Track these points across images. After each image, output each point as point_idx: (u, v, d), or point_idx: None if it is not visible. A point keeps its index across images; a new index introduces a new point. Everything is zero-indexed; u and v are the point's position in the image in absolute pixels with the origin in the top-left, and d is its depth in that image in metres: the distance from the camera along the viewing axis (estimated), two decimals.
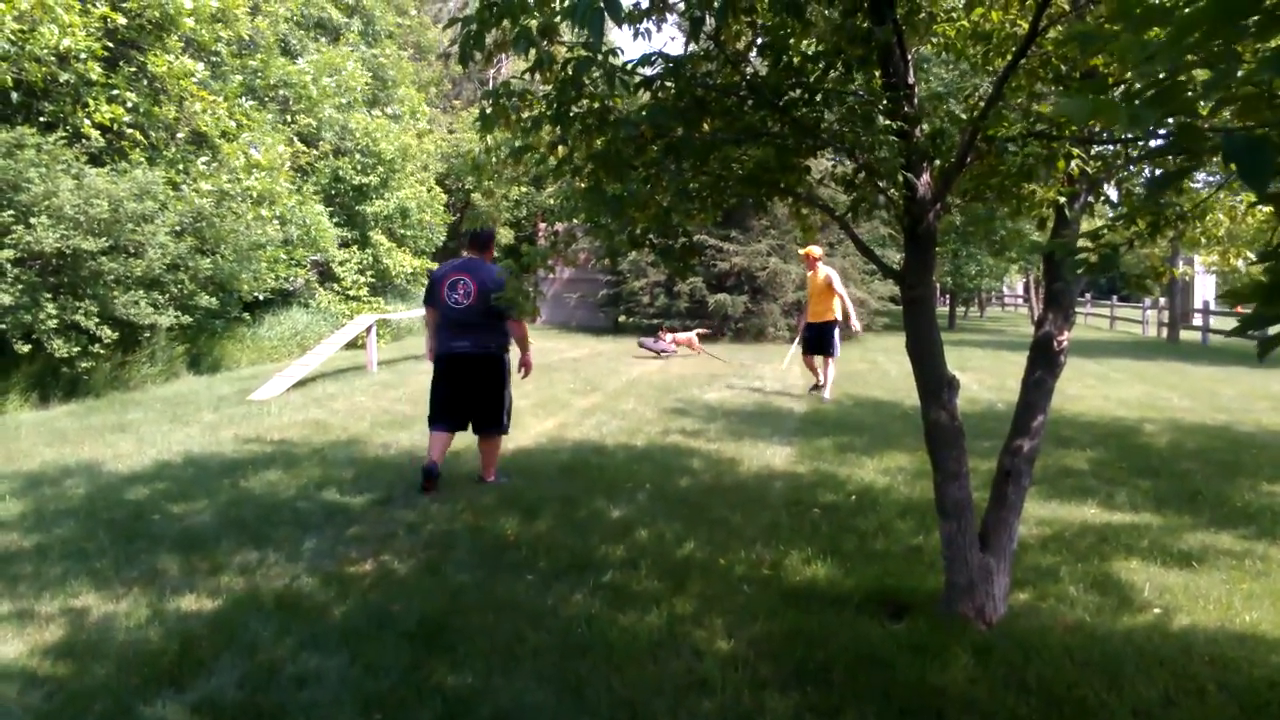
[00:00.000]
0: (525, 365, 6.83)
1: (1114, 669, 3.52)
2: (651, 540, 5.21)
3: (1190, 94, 1.48)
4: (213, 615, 4.07)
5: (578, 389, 11.67)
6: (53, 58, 10.46)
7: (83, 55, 10.63)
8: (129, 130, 11.82)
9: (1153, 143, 3.13)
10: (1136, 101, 1.52)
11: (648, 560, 4.81)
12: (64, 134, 10.79)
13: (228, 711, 3.18)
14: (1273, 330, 1.67)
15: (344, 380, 12.24)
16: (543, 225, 26.58)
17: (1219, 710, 3.22)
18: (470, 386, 6.49)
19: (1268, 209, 4.63)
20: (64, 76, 10.75)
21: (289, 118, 16.77)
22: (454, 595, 4.32)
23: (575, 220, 3.93)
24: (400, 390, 11.31)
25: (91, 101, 11.08)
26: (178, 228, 11.68)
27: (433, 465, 6.25)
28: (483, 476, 6.61)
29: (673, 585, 4.46)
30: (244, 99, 14.58)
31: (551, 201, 25.01)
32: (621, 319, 22.23)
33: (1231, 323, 20.59)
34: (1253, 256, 5.33)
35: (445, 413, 6.50)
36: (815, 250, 11.08)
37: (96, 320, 10.28)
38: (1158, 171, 3.93)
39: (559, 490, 6.30)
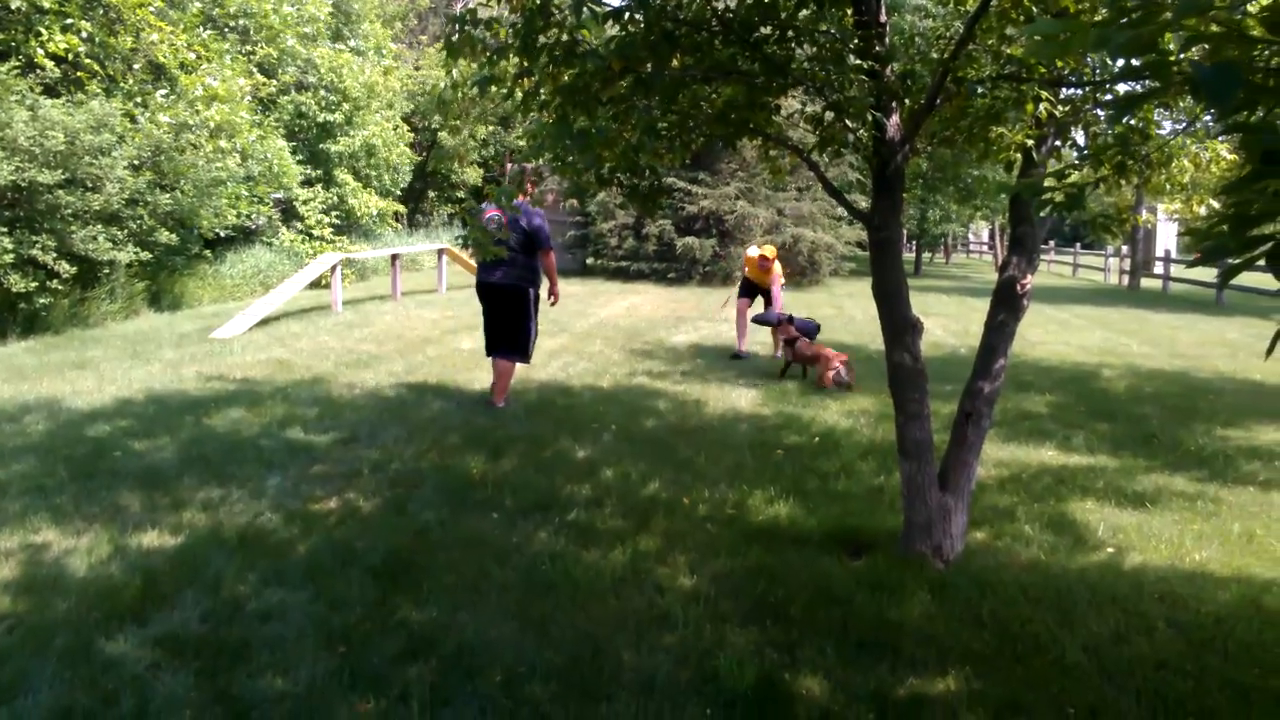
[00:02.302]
0: (553, 294, 7.45)
1: (1067, 606, 3.60)
2: (616, 480, 5.24)
3: (1161, 21, 1.48)
4: (175, 551, 4.05)
5: (545, 330, 11.60)
6: None
7: None
8: (85, 61, 11.48)
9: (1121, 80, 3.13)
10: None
11: (612, 499, 4.85)
12: (17, 64, 10.48)
13: (190, 646, 3.18)
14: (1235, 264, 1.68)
15: (308, 320, 12.12)
16: (510, 165, 26.26)
17: (1167, 645, 3.31)
18: (499, 314, 7.12)
19: (1232, 157, 4.66)
20: (15, 4, 10.40)
21: (249, 48, 16.36)
22: (419, 532, 4.34)
23: (542, 159, 3.88)
24: (365, 330, 11.22)
25: (44, 30, 10.75)
26: (136, 161, 11.43)
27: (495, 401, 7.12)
28: (491, 400, 7.11)
29: (637, 524, 4.50)
30: (202, 28, 14.19)
31: (520, 141, 24.70)
32: (589, 260, 22.11)
33: (1195, 270, 20.84)
34: (1216, 205, 5.38)
35: (490, 341, 7.23)
36: (768, 249, 9.97)
37: (54, 255, 10.08)
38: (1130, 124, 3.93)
39: (525, 430, 6.31)
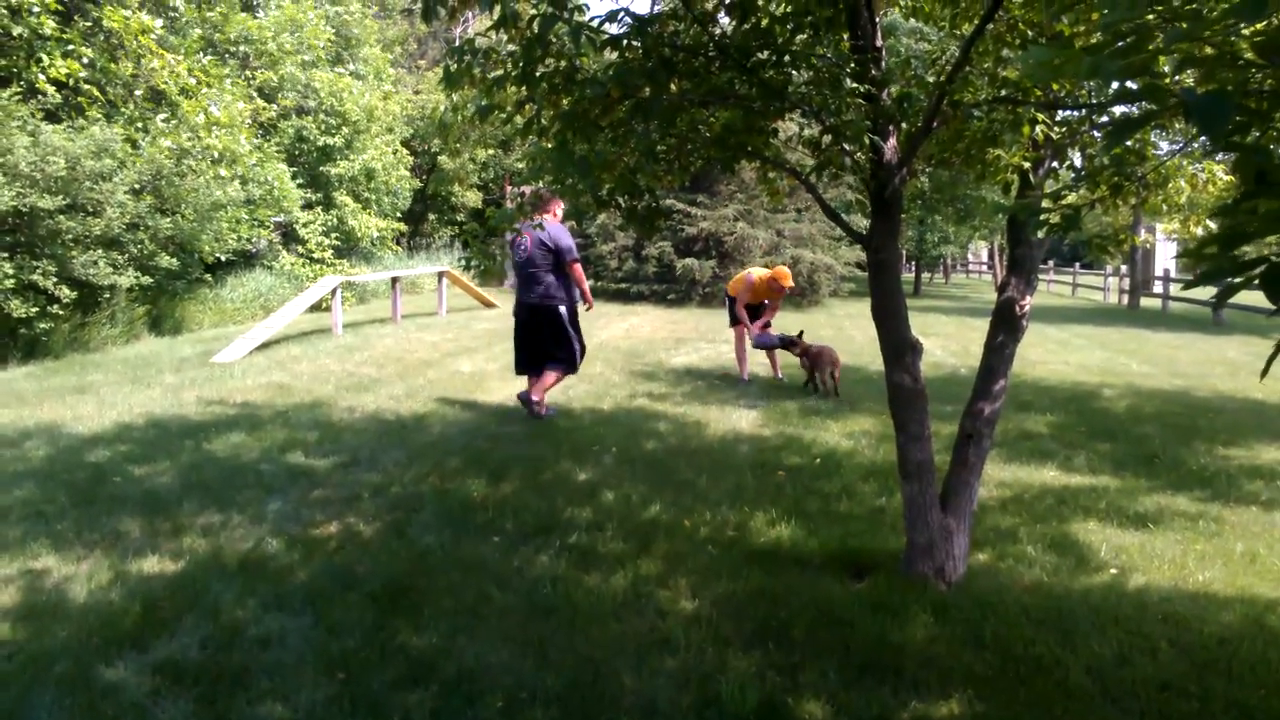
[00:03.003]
0: (586, 301, 7.74)
1: (1069, 627, 3.59)
2: (617, 502, 5.23)
3: (1152, 48, 1.49)
4: (175, 577, 4.04)
5: None
6: (4, 10, 10.20)
7: (35, 9, 10.36)
8: (85, 86, 11.56)
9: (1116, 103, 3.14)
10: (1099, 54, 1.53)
11: (613, 522, 4.84)
12: (18, 89, 10.55)
13: (190, 672, 3.17)
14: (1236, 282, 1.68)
15: (308, 343, 12.13)
16: (510, 188, 26.35)
17: (1170, 666, 3.30)
18: (537, 333, 7.48)
19: (1228, 178, 4.68)
20: (17, 30, 10.48)
21: (249, 74, 16.46)
22: (420, 557, 4.33)
23: (542, 182, 3.90)
24: (365, 353, 11.23)
25: (46, 56, 10.83)
26: (136, 186, 11.48)
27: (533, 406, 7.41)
28: (529, 393, 7.41)
29: (638, 547, 4.48)
30: (203, 54, 14.29)
31: (519, 164, 24.80)
32: (589, 282, 22.16)
33: (1193, 289, 20.87)
34: (1214, 226, 5.39)
35: (521, 359, 7.65)
36: (781, 269, 9.52)
37: (55, 280, 10.11)
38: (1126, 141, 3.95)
39: (525, 452, 6.31)
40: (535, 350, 7.52)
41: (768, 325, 9.67)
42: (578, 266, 7.48)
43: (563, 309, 7.44)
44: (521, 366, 7.68)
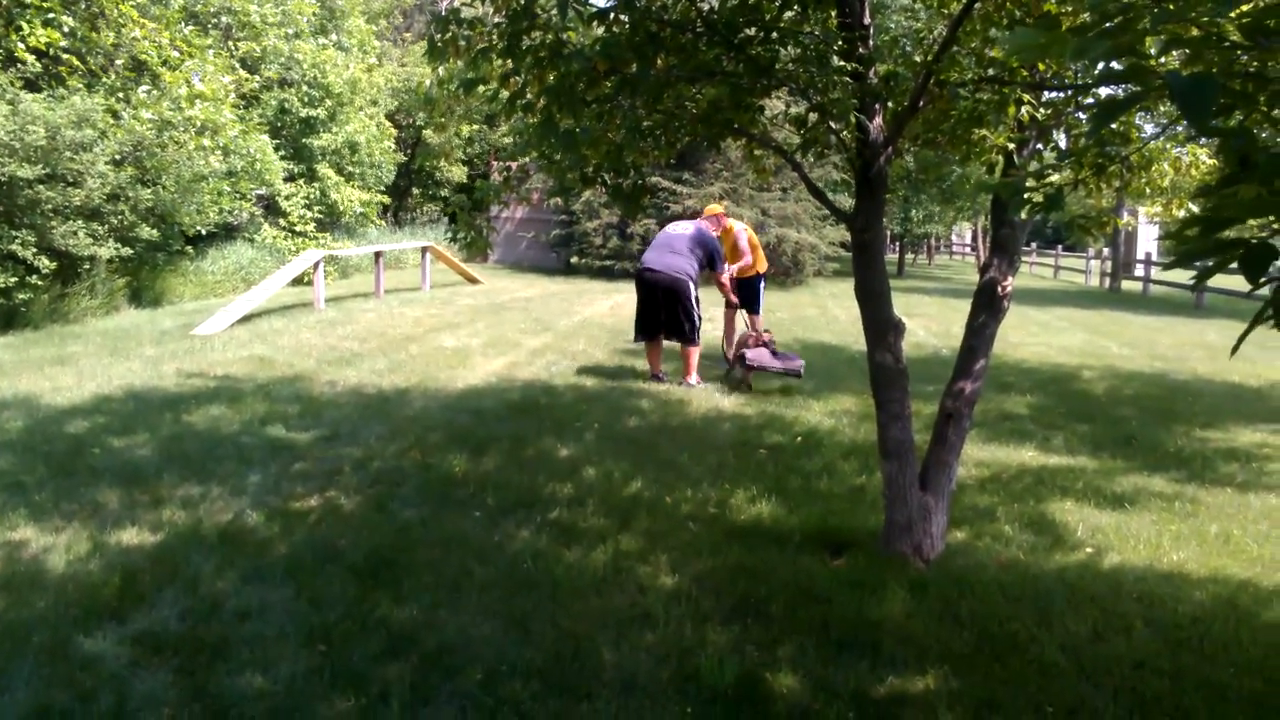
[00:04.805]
0: (725, 295, 8.86)
1: (1045, 605, 3.63)
2: (599, 479, 5.25)
3: (1139, 29, 1.49)
4: (154, 549, 4.03)
5: (528, 329, 11.63)
6: None
7: None
8: (66, 56, 11.40)
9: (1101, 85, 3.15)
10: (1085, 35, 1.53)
11: (595, 498, 4.85)
12: None
13: (169, 644, 3.17)
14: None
15: (290, 317, 12.06)
16: (496, 163, 26.19)
17: (1144, 644, 3.34)
18: (663, 306, 8.05)
19: (1211, 162, 4.70)
20: None
21: (231, 45, 16.25)
22: (401, 531, 4.33)
23: (528, 158, 3.89)
24: (348, 328, 11.17)
25: (26, 25, 10.66)
26: (117, 156, 11.35)
27: (656, 376, 8.28)
28: (683, 378, 8.17)
29: (619, 522, 4.50)
30: (184, 25, 14.10)
31: (505, 140, 24.66)
32: (574, 260, 22.09)
33: (1173, 272, 20.98)
34: (1194, 209, 5.42)
35: (640, 325, 8.38)
36: (713, 206, 9.48)
37: (34, 250, 10.00)
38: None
39: (508, 429, 6.31)
40: (656, 320, 8.10)
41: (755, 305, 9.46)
42: (725, 278, 8.44)
43: (691, 286, 8.00)
44: (640, 333, 8.33)
